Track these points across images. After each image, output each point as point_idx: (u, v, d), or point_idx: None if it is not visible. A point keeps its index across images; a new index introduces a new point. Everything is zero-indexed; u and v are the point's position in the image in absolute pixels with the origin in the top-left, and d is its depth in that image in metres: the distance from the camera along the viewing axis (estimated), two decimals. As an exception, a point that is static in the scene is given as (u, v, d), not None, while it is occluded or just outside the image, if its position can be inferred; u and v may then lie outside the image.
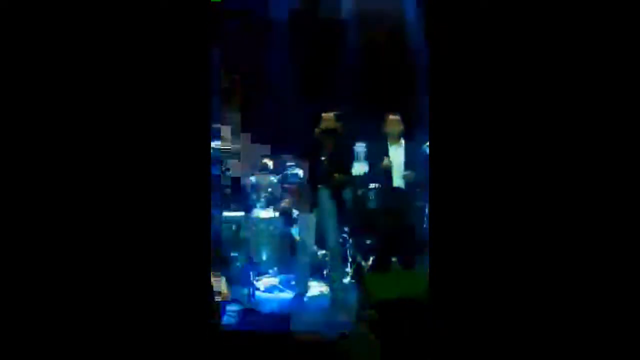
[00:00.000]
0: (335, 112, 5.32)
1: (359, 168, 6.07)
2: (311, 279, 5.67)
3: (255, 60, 7.38)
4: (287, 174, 6.24)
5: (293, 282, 5.58)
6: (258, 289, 5.62)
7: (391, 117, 5.49)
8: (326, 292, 5.51)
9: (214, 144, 4.68)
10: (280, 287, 5.74)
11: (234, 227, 5.75)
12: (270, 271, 5.98)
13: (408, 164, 5.43)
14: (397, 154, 5.48)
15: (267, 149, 6.63)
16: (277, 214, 6.15)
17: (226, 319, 4.37)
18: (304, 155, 5.44)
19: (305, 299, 5.37)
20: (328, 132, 5.25)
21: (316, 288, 5.70)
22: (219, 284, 4.70)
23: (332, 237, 5.35)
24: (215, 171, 4.74)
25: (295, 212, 6.00)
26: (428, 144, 5.09)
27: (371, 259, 5.97)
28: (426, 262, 5.01)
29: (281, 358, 2.95)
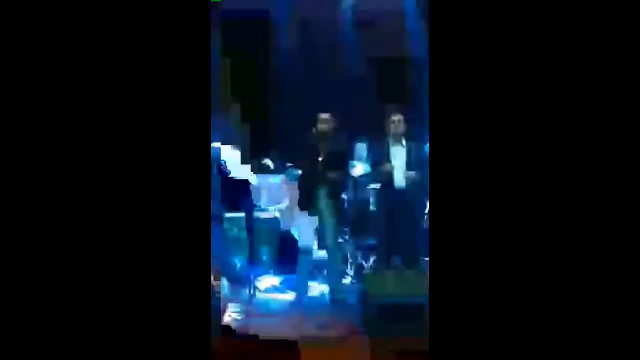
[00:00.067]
0: (332, 112, 5.34)
1: (361, 168, 6.08)
2: (311, 279, 5.68)
3: (255, 60, 7.39)
4: (286, 174, 6.24)
5: (293, 283, 5.58)
6: (258, 290, 5.63)
7: (393, 117, 5.50)
8: (326, 292, 5.52)
9: (214, 144, 4.68)
10: (281, 287, 5.75)
11: (234, 227, 5.76)
12: (271, 271, 5.99)
13: (409, 164, 5.43)
14: (398, 154, 5.48)
15: (267, 148, 6.64)
16: (277, 214, 6.16)
17: (226, 320, 4.38)
18: (302, 155, 5.45)
19: (305, 300, 5.37)
20: (325, 132, 5.26)
21: (316, 288, 5.71)
22: (219, 284, 4.71)
23: (331, 237, 5.36)
24: (214, 171, 4.73)
25: (295, 212, 6.01)
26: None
27: (371, 259, 5.99)
28: (426, 262, 5.03)
29: None
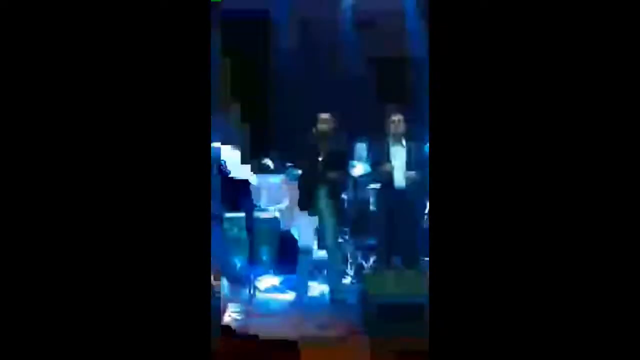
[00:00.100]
0: (332, 112, 5.34)
1: (361, 168, 6.08)
2: (311, 279, 5.67)
3: (255, 60, 7.39)
4: (286, 174, 6.24)
5: (293, 283, 5.58)
6: (258, 290, 5.63)
7: (393, 117, 5.50)
8: (326, 292, 5.52)
9: (214, 144, 4.68)
10: (281, 287, 5.75)
11: (234, 227, 5.76)
12: (271, 271, 5.99)
13: (409, 164, 5.43)
14: (398, 154, 5.48)
15: (267, 148, 6.64)
16: (277, 214, 6.16)
17: (226, 320, 4.38)
18: (302, 155, 5.45)
19: (305, 300, 5.37)
20: (325, 132, 5.27)
21: (316, 288, 5.71)
22: (219, 284, 4.71)
23: (331, 237, 5.36)
24: (214, 171, 4.74)
25: (295, 212, 6.01)
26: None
27: (371, 259, 5.99)
28: (426, 262, 5.03)
29: None
